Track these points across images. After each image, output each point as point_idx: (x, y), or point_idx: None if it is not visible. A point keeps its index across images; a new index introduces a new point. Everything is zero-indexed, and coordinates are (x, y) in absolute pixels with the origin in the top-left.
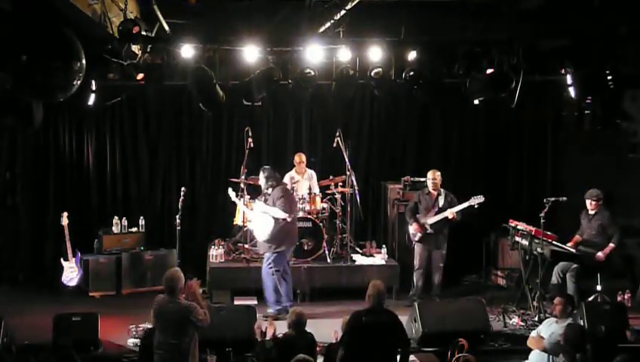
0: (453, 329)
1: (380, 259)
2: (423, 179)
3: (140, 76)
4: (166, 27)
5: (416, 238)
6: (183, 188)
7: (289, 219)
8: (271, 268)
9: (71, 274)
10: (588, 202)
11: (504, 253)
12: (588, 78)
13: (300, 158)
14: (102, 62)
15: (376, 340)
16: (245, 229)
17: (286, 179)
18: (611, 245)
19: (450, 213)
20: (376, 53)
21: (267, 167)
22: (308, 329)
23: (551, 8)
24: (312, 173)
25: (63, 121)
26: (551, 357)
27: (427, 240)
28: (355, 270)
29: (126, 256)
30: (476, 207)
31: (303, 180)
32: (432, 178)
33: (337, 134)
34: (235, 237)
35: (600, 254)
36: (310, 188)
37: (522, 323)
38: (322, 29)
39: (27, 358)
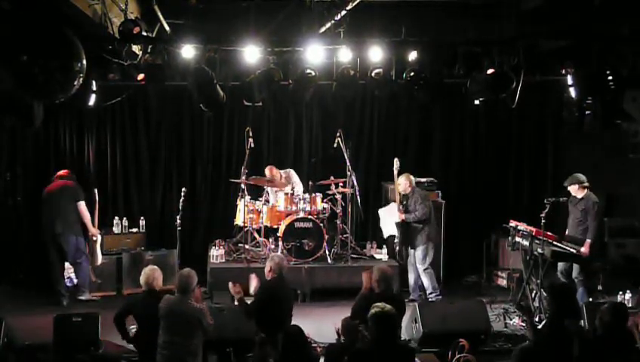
0: (454, 329)
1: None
2: (423, 180)
3: (141, 76)
4: (167, 27)
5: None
6: (183, 189)
7: None
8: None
9: (72, 273)
10: (572, 188)
11: (504, 254)
12: (588, 79)
13: (271, 172)
14: (102, 63)
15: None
16: (246, 230)
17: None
18: (588, 240)
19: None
20: (376, 54)
21: None
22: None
23: (551, 8)
24: (284, 172)
25: (63, 121)
26: None
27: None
28: (355, 270)
29: (126, 257)
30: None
31: (280, 189)
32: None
33: (338, 134)
34: (235, 237)
35: (583, 250)
36: (293, 189)
37: (523, 324)
38: (323, 29)
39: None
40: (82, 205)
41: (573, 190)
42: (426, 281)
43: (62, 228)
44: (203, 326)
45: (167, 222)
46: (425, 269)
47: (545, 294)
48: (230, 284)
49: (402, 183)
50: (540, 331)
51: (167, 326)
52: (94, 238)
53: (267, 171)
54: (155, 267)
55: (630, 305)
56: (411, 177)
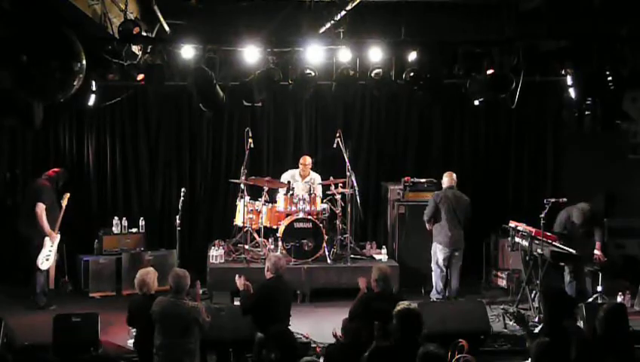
0: (454, 329)
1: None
2: (423, 180)
3: (140, 77)
4: (166, 28)
5: None
6: (183, 189)
7: None
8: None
9: (48, 254)
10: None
11: (504, 254)
12: (588, 79)
13: (305, 161)
14: (102, 63)
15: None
16: (245, 230)
17: (286, 176)
18: (599, 243)
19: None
20: (376, 54)
21: None
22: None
23: (551, 8)
24: (314, 176)
25: (63, 121)
26: None
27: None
28: (355, 271)
29: (126, 257)
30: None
31: (302, 183)
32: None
33: (337, 135)
34: (235, 237)
35: (598, 252)
36: (292, 189)
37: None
38: (322, 29)
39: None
40: (39, 207)
41: (579, 219)
42: (433, 281)
43: (24, 229)
44: (199, 324)
45: (167, 223)
46: (433, 269)
47: None
48: (237, 276)
49: (443, 180)
50: (537, 336)
51: (162, 328)
52: (49, 242)
53: (302, 160)
54: (149, 269)
55: (630, 306)
56: (453, 175)
